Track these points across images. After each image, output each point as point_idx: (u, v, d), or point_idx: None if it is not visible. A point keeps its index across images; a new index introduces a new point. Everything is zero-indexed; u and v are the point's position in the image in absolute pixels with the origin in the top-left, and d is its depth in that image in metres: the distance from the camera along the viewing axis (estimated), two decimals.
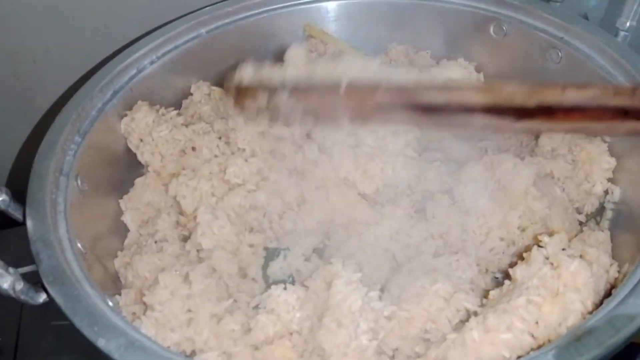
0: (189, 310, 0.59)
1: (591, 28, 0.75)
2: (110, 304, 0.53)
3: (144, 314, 0.59)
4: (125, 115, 0.76)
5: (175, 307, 0.58)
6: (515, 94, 0.56)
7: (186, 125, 0.77)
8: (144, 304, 0.60)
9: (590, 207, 0.72)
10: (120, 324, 0.49)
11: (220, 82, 0.85)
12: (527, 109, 0.55)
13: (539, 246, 0.58)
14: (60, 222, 0.59)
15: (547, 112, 0.54)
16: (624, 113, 0.52)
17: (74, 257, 0.56)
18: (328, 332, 0.55)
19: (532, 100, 0.55)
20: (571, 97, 0.53)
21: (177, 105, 0.84)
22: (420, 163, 0.73)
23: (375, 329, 0.58)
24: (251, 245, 0.70)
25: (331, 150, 0.72)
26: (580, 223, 0.71)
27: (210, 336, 0.57)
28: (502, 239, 0.68)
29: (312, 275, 0.63)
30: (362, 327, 0.57)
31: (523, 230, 0.68)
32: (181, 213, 0.71)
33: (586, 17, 0.89)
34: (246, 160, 0.73)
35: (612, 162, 0.70)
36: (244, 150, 0.75)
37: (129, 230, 0.74)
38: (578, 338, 0.43)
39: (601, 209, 0.71)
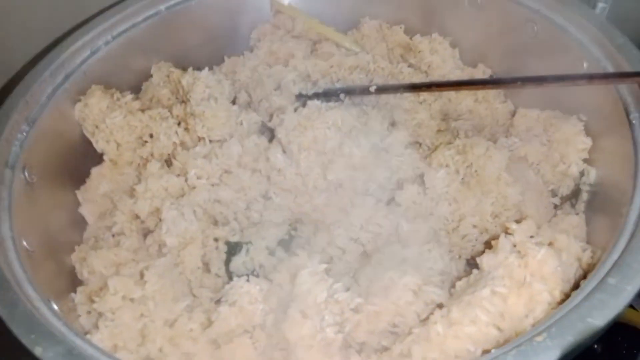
0: (142, 315, 0.56)
1: (569, 0, 0.71)
2: (55, 307, 0.50)
3: (98, 319, 0.57)
4: (79, 100, 0.72)
5: (128, 315, 0.56)
6: None
7: (142, 111, 0.73)
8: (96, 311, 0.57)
9: (566, 189, 0.69)
10: (62, 330, 0.46)
11: (182, 62, 0.81)
12: None
13: (507, 233, 0.56)
14: (3, 219, 0.56)
15: None
16: None
17: (17, 257, 0.53)
18: (293, 323, 0.54)
19: None
20: None
21: (137, 89, 0.80)
22: (389, 153, 0.70)
23: (341, 322, 0.56)
24: (215, 239, 0.67)
25: (297, 156, 0.68)
26: (556, 206, 0.69)
27: (165, 343, 0.55)
28: (474, 226, 0.66)
29: (276, 267, 0.61)
30: (328, 319, 0.55)
31: (496, 216, 0.66)
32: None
33: None
34: (207, 159, 0.70)
35: (588, 142, 0.67)
36: (203, 138, 0.71)
37: (87, 223, 0.71)
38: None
39: (577, 191, 0.69)
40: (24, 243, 0.56)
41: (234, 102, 0.76)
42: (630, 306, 0.73)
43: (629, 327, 0.69)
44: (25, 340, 0.44)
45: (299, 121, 0.69)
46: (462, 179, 0.68)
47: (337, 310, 0.56)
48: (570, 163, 0.68)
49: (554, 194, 0.70)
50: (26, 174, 0.63)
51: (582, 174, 0.68)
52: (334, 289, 0.57)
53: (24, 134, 0.65)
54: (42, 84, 0.69)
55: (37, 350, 0.43)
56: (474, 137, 0.70)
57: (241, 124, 0.73)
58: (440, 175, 0.67)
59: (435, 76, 0.83)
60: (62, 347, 0.44)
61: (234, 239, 0.66)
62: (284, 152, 0.70)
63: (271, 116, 0.75)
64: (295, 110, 0.71)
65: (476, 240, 0.66)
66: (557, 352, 0.39)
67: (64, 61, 0.72)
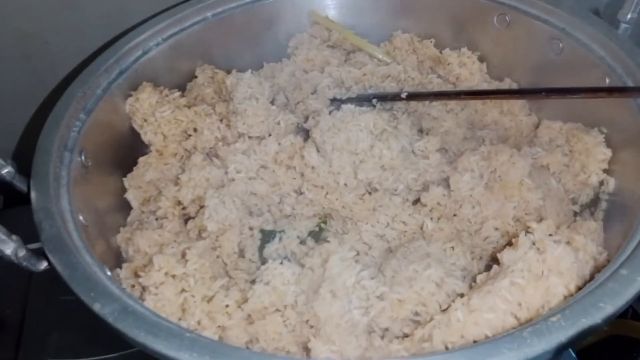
0: (183, 290, 0.61)
1: (593, 20, 0.75)
2: (109, 273, 0.55)
3: (142, 293, 0.61)
4: (130, 95, 0.78)
5: (170, 290, 0.60)
6: None
7: (188, 107, 0.79)
8: (141, 285, 0.62)
9: (585, 197, 0.72)
10: (116, 292, 0.51)
11: (223, 66, 0.87)
12: None
13: (527, 232, 0.59)
14: (63, 194, 0.61)
15: None
16: None
17: (75, 228, 0.58)
18: (323, 302, 0.58)
19: None
20: None
21: (182, 88, 0.85)
22: (417, 156, 0.75)
23: (366, 307, 0.59)
24: (250, 228, 0.72)
25: (330, 155, 0.72)
26: (575, 213, 0.72)
27: (203, 317, 0.59)
28: (496, 229, 0.69)
29: (308, 253, 0.65)
30: (355, 302, 0.58)
31: (517, 220, 0.69)
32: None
33: (597, 13, 0.89)
34: (246, 155, 0.75)
35: (608, 153, 0.71)
36: (243, 134, 0.77)
37: (131, 208, 0.77)
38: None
39: (596, 200, 0.72)
40: (80, 218, 0.61)
41: (272, 103, 0.81)
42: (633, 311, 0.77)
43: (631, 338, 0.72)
44: (85, 297, 0.49)
45: (333, 123, 0.74)
46: (486, 183, 0.71)
47: (363, 295, 0.60)
48: (590, 173, 0.71)
49: (573, 202, 0.73)
50: (82, 157, 0.68)
51: (601, 183, 0.71)
52: (361, 275, 0.61)
53: (82, 122, 0.71)
54: (99, 78, 0.75)
55: (96, 307, 0.48)
56: (499, 144, 0.73)
57: (279, 123, 0.78)
58: (465, 179, 0.71)
59: (464, 87, 0.87)
60: (117, 304, 0.48)
61: (268, 227, 0.71)
62: (318, 151, 0.74)
63: (307, 118, 0.80)
64: (330, 112, 0.76)
65: (497, 242, 0.69)
66: (570, 332, 0.43)
67: (118, 58, 0.78)
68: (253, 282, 0.64)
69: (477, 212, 0.70)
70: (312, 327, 0.58)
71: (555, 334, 0.43)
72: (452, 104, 0.82)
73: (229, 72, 0.84)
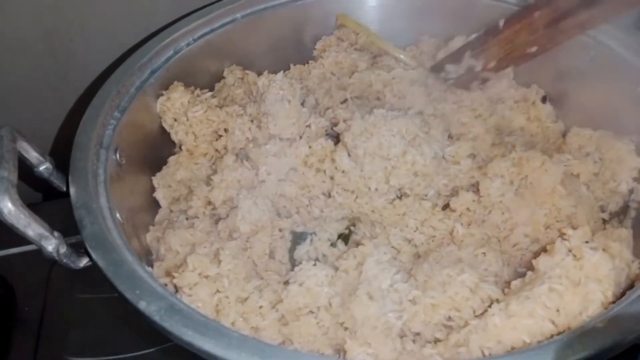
0: (217, 292, 0.61)
1: (626, 28, 0.75)
2: (149, 270, 0.55)
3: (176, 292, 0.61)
4: (161, 94, 0.79)
5: (204, 291, 0.60)
6: None
7: (220, 107, 0.79)
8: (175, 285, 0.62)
9: (615, 205, 0.72)
10: (159, 290, 0.51)
11: (250, 67, 0.87)
12: None
13: (563, 239, 0.60)
14: (100, 191, 0.62)
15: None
16: None
17: (114, 225, 0.58)
18: (360, 304, 0.58)
19: None
20: None
21: (210, 88, 0.86)
22: (448, 161, 0.75)
23: (400, 311, 0.60)
24: (280, 230, 0.72)
25: (362, 160, 0.73)
26: (604, 221, 0.72)
27: (237, 318, 0.59)
28: (526, 236, 0.69)
29: (342, 255, 0.65)
30: (389, 305, 0.59)
31: (548, 227, 0.69)
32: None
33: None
34: (277, 157, 0.75)
35: (639, 162, 0.71)
36: (274, 136, 0.77)
37: (159, 207, 0.77)
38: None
39: (625, 208, 0.72)
40: (118, 215, 0.62)
41: (302, 105, 0.81)
42: None
43: None
44: (130, 295, 0.49)
45: (365, 127, 0.74)
46: (516, 189, 0.71)
47: (397, 299, 0.60)
48: (620, 181, 0.71)
49: (602, 209, 0.73)
50: (117, 155, 0.69)
51: (631, 192, 0.72)
52: (395, 279, 0.61)
53: (116, 120, 0.71)
54: (132, 76, 0.76)
55: (142, 305, 0.48)
56: (530, 151, 0.74)
57: (309, 126, 0.78)
58: (495, 185, 0.71)
59: (490, 93, 0.87)
60: (164, 302, 0.49)
61: (298, 229, 0.71)
62: (349, 155, 0.74)
63: (335, 124, 0.80)
64: (362, 117, 0.76)
65: (526, 249, 0.69)
66: (615, 337, 0.43)
67: (151, 57, 0.79)
68: (286, 283, 0.64)
69: (507, 219, 0.70)
70: (346, 329, 0.58)
71: (604, 341, 0.43)
72: (481, 109, 0.83)
73: (259, 73, 0.84)
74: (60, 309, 0.86)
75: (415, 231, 0.72)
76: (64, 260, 0.55)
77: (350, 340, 0.56)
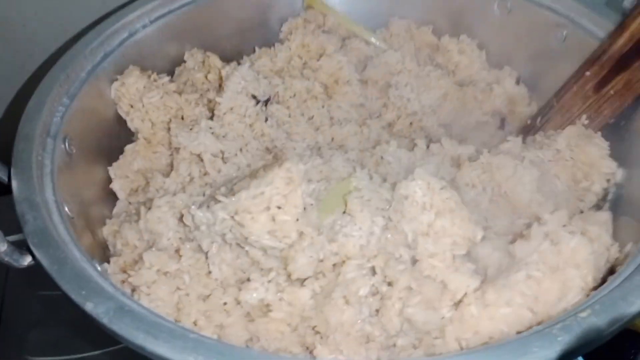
0: (178, 289, 0.57)
1: (598, 7, 0.73)
2: (99, 269, 0.51)
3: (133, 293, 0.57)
4: (116, 79, 0.74)
5: (163, 289, 0.56)
6: None
7: (179, 93, 0.75)
8: (131, 285, 0.57)
9: (589, 203, 0.68)
10: (109, 289, 0.47)
11: (216, 49, 0.83)
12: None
13: (539, 223, 0.57)
14: (46, 184, 0.57)
15: None
16: None
17: (61, 220, 0.54)
18: (335, 308, 0.54)
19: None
20: None
21: (170, 73, 0.81)
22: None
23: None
24: None
25: None
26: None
27: (199, 317, 0.56)
28: None
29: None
30: (365, 312, 0.55)
31: None
32: None
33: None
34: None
35: (613, 166, 0.66)
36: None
37: (117, 199, 0.72)
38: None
39: (605, 195, 0.69)
40: (66, 209, 0.57)
41: (266, 102, 0.77)
42: None
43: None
44: (76, 296, 0.45)
45: None
46: (490, 198, 0.65)
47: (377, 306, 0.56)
48: (593, 182, 0.67)
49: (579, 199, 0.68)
50: (66, 144, 0.64)
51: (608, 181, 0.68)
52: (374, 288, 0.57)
53: (65, 107, 0.66)
54: (82, 60, 0.70)
55: (88, 306, 0.44)
56: (500, 155, 0.67)
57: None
58: (469, 196, 0.65)
59: (463, 76, 0.85)
60: (113, 302, 0.44)
61: None
62: None
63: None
64: None
65: None
66: (603, 327, 0.40)
67: (103, 40, 0.74)
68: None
69: (486, 227, 0.62)
70: (317, 333, 0.54)
71: (588, 329, 0.40)
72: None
73: (222, 57, 0.80)
74: (19, 308, 0.83)
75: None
76: (6, 259, 0.50)
77: (320, 346, 0.53)
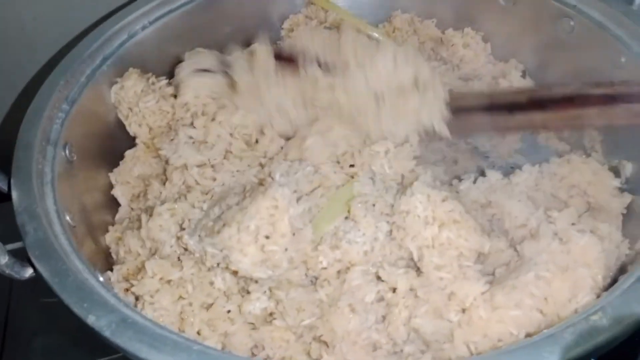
0: (181, 298, 0.56)
1: None
2: (102, 279, 0.50)
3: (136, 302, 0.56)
4: (116, 82, 0.73)
5: (167, 298, 0.55)
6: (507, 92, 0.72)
7: (175, 97, 0.73)
8: (134, 294, 0.57)
9: None
10: (112, 301, 0.46)
11: (216, 48, 0.81)
12: (520, 104, 0.66)
13: (549, 222, 0.56)
14: (47, 193, 0.56)
15: (539, 105, 0.65)
16: (611, 98, 0.60)
17: (62, 230, 0.53)
18: (341, 316, 0.53)
19: (523, 95, 0.67)
20: (558, 90, 0.65)
21: (170, 75, 0.79)
22: None
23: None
24: None
25: None
26: None
27: (203, 326, 0.55)
28: None
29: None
30: (371, 320, 0.54)
31: None
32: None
33: None
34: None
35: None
36: None
37: (119, 205, 0.71)
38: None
39: None
40: (67, 218, 0.56)
41: None
42: None
43: None
44: (78, 309, 0.45)
45: None
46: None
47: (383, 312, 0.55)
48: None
49: None
50: (67, 151, 0.63)
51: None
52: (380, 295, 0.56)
53: (65, 113, 0.65)
54: (82, 64, 0.70)
55: (90, 319, 0.44)
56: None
57: None
58: None
59: (467, 70, 0.83)
60: (115, 315, 0.44)
61: None
62: None
63: None
64: None
65: None
66: (614, 330, 0.39)
67: (102, 43, 0.73)
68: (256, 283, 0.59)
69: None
70: (323, 341, 0.53)
71: (600, 333, 0.39)
72: None
73: None
74: (24, 315, 0.82)
75: None
76: (7, 272, 0.50)
77: (327, 356, 0.52)
